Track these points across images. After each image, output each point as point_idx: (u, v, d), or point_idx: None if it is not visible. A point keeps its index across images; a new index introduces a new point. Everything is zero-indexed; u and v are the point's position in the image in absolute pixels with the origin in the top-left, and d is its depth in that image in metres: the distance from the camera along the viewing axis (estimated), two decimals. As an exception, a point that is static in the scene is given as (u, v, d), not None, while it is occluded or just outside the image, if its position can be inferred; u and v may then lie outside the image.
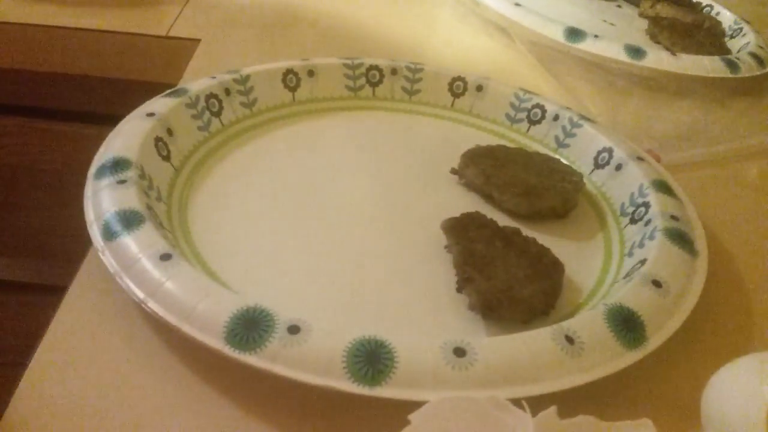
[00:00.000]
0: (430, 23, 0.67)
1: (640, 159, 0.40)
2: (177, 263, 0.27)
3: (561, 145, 0.43)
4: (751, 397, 0.23)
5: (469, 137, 0.44)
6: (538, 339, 0.26)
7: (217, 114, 0.40)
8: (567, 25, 0.57)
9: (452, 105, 0.47)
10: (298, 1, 0.65)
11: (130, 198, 0.30)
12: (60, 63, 0.50)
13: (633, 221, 0.36)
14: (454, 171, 0.40)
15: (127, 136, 0.35)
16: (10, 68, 0.49)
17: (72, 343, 0.27)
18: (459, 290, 0.31)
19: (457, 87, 0.47)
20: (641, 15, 0.73)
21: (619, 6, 0.76)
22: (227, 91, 0.41)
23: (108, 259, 0.27)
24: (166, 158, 0.36)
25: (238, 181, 0.38)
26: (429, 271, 0.33)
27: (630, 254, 0.34)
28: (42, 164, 0.54)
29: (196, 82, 0.41)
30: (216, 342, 0.24)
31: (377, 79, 0.46)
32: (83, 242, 0.29)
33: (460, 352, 0.24)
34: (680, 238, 0.32)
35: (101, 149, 0.34)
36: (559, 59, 0.56)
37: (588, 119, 0.44)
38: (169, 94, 0.39)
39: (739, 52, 0.62)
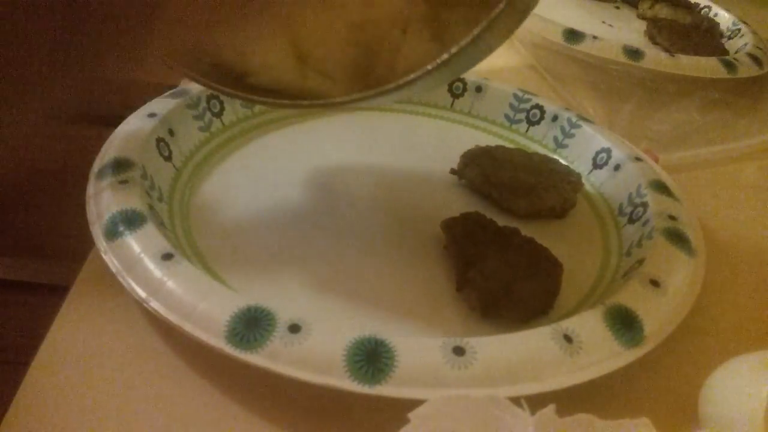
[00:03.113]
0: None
1: (638, 159, 0.40)
2: (178, 263, 0.27)
3: (560, 145, 0.44)
4: (749, 396, 0.23)
5: (468, 137, 0.44)
6: (537, 338, 0.26)
7: (218, 115, 0.41)
8: (566, 27, 0.57)
9: (452, 106, 0.47)
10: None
11: (132, 198, 0.30)
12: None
13: (631, 221, 0.36)
14: (453, 171, 0.40)
15: (129, 137, 0.35)
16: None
17: (74, 343, 0.27)
18: (459, 290, 0.31)
19: (457, 88, 0.47)
20: (640, 16, 0.74)
21: (618, 7, 0.77)
22: (228, 92, 0.41)
23: (110, 259, 0.28)
24: (168, 159, 0.36)
25: (239, 181, 0.38)
26: (429, 271, 0.33)
27: (628, 254, 0.34)
28: (44, 164, 0.54)
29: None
30: (217, 341, 0.24)
31: (377, 80, 0.46)
32: (85, 242, 0.30)
33: (459, 351, 0.25)
34: (678, 237, 0.33)
35: (103, 149, 0.34)
36: (558, 60, 0.57)
37: (586, 120, 0.44)
38: (170, 95, 0.39)
39: (736, 52, 0.62)
